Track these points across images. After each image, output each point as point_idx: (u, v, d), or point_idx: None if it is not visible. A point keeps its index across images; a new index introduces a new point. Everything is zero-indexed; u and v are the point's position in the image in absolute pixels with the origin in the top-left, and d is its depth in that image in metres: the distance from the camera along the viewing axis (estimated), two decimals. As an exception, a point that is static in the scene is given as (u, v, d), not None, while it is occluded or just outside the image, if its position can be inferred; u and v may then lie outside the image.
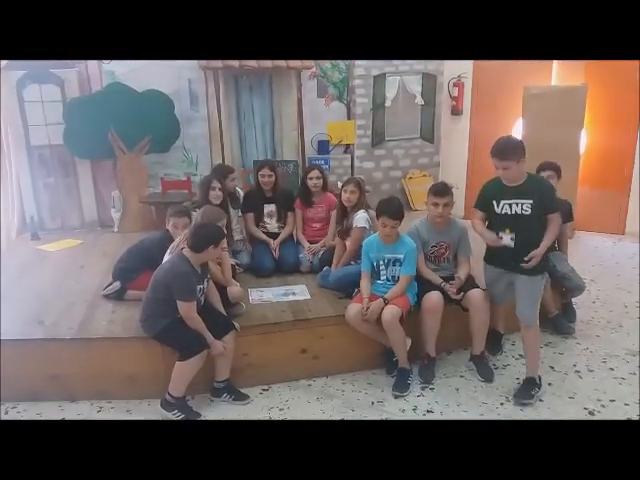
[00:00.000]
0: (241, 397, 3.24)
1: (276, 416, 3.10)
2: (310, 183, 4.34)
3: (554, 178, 3.91)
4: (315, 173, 4.36)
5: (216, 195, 3.99)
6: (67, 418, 3.09)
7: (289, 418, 3.08)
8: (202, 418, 3.07)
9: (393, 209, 3.34)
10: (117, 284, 3.71)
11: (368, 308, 3.27)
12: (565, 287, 4.07)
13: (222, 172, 4.29)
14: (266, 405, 3.21)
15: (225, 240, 3.51)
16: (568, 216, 4.02)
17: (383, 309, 3.27)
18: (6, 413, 3.14)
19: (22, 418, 3.09)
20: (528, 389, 3.20)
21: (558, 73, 6.24)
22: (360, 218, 3.80)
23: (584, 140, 6.02)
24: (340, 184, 5.05)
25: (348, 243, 3.89)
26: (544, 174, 3.87)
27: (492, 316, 3.52)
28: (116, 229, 5.80)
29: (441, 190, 3.44)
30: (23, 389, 3.22)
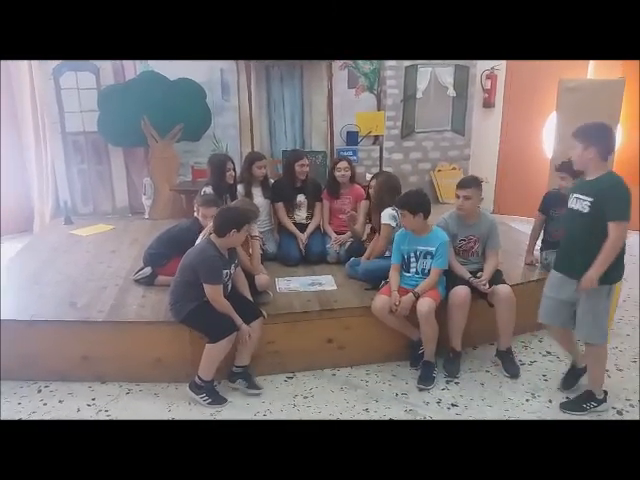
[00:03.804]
0: (254, 386, 3.23)
1: (300, 404, 3.14)
2: (338, 174, 4.34)
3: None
4: (343, 164, 4.35)
5: (230, 175, 4.19)
6: (97, 399, 3.18)
7: (313, 406, 3.11)
8: (228, 403, 3.12)
9: (407, 201, 3.32)
10: (148, 269, 3.79)
11: (398, 302, 3.27)
12: None
13: (251, 160, 4.34)
14: (290, 392, 3.25)
15: (255, 228, 3.55)
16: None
17: (416, 302, 3.26)
18: (39, 391, 3.24)
19: (54, 397, 3.19)
20: (581, 401, 3.06)
21: (594, 66, 6.09)
22: (385, 214, 3.72)
23: (620, 136, 5.87)
24: (369, 176, 5.04)
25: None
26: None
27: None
28: (146, 216, 5.89)
29: (464, 182, 3.48)
30: (54, 369, 3.32)
